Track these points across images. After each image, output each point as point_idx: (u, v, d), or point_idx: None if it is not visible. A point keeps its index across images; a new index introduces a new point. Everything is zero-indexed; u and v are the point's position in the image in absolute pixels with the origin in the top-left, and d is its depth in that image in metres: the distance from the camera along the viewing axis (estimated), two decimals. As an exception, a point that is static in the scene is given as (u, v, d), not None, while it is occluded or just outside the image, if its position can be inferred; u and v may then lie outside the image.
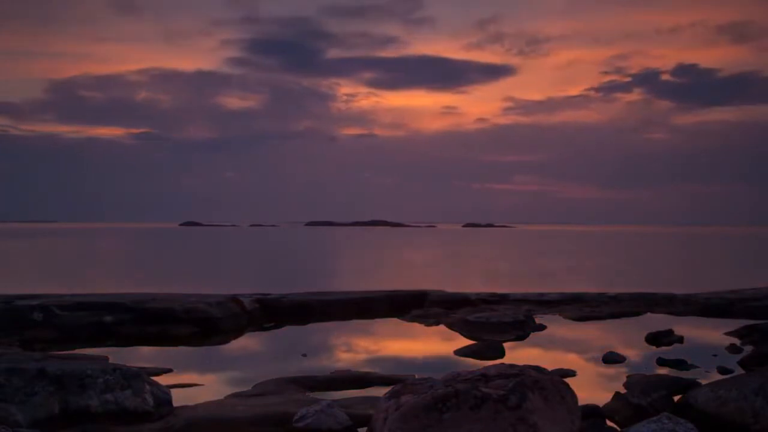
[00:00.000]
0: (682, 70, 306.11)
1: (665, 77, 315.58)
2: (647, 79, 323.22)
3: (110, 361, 7.41)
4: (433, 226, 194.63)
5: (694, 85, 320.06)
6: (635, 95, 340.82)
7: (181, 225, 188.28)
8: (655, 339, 10.09)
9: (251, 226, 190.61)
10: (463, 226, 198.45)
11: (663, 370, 7.95)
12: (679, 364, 8.31)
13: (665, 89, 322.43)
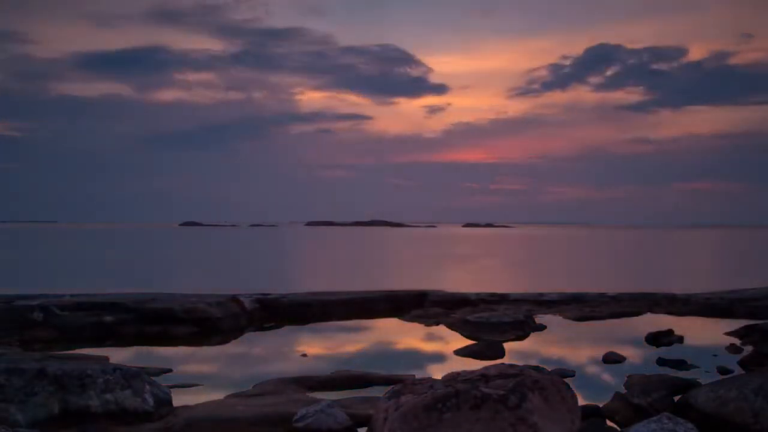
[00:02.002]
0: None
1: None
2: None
3: (110, 361, 7.42)
4: (434, 226, 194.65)
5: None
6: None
7: (181, 225, 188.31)
8: (655, 339, 10.09)
9: (251, 226, 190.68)
10: (463, 226, 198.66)
11: (663, 370, 7.95)
12: (679, 364, 8.32)
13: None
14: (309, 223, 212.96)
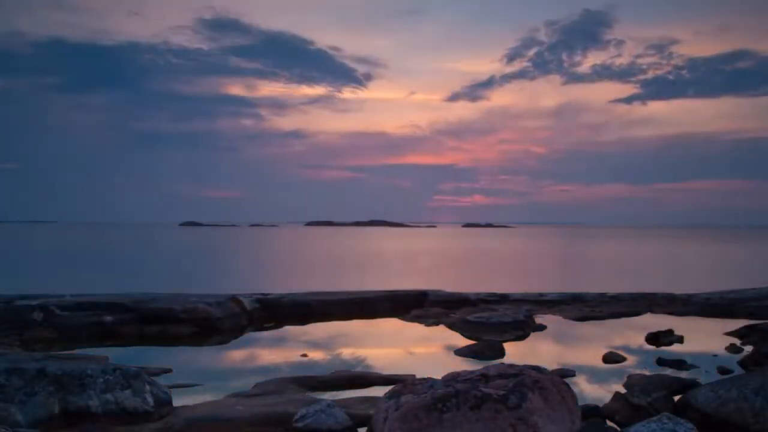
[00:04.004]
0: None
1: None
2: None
3: (110, 361, 7.41)
4: (434, 226, 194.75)
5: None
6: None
7: (181, 225, 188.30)
8: (655, 339, 10.09)
9: (251, 226, 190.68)
10: (463, 226, 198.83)
11: (663, 370, 7.95)
12: (679, 364, 8.31)
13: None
14: (309, 223, 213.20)
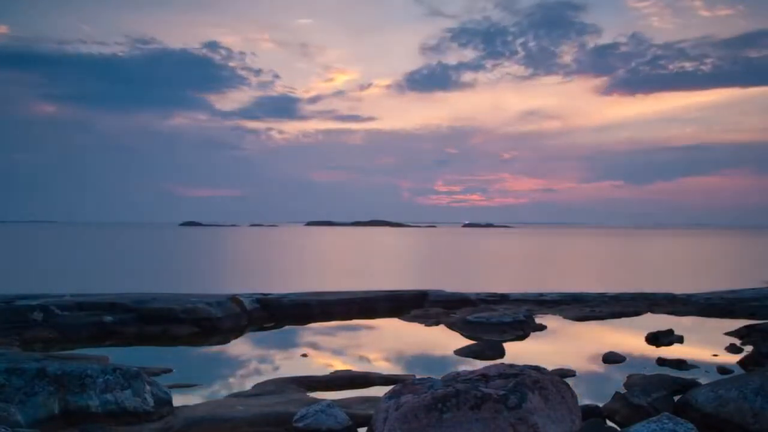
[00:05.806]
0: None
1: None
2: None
3: (110, 361, 7.42)
4: (434, 226, 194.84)
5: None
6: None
7: (181, 225, 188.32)
8: (655, 339, 10.10)
9: (251, 225, 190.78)
10: (463, 226, 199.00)
11: (663, 370, 7.95)
12: (679, 364, 8.32)
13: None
14: (309, 223, 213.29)
